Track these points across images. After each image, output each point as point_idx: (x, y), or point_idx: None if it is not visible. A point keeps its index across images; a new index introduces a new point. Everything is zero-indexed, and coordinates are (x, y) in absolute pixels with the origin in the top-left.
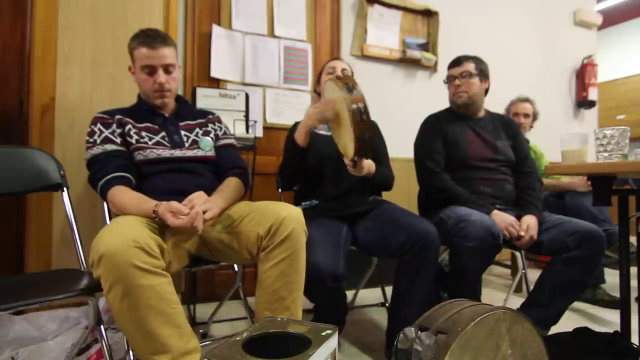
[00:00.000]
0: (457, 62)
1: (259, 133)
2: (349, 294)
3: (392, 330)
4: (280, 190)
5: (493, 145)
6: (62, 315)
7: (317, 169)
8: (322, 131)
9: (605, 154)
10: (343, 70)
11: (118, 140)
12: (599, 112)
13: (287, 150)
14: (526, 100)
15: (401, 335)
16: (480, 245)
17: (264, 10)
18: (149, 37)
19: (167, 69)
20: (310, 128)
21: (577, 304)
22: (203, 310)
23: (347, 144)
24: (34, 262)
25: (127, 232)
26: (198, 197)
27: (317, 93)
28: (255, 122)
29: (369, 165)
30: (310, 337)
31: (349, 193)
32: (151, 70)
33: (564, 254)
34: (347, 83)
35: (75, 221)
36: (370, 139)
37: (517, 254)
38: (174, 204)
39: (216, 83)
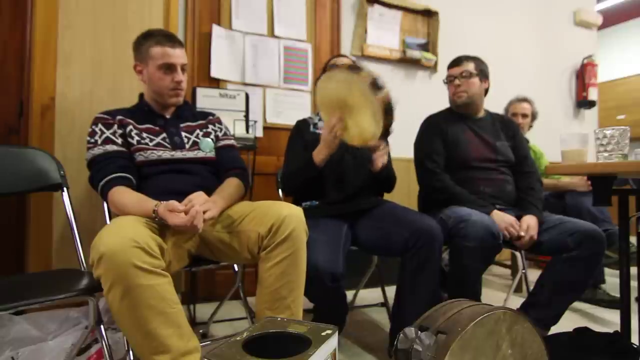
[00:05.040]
0: (457, 62)
1: (259, 133)
2: (349, 294)
3: (395, 329)
4: (280, 190)
5: (493, 145)
6: (62, 315)
7: (318, 173)
8: None
9: (605, 154)
10: None
11: (119, 140)
12: (599, 112)
13: (289, 158)
14: (524, 100)
15: (401, 335)
16: (480, 245)
17: (264, 10)
18: (167, 37)
19: (183, 69)
20: (331, 153)
21: (577, 304)
22: (203, 310)
23: (365, 127)
24: (34, 262)
25: (127, 232)
26: (198, 197)
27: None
28: (255, 122)
29: (384, 153)
30: (310, 337)
31: (351, 198)
32: (170, 69)
33: (564, 254)
34: (350, 66)
35: (75, 221)
36: (392, 110)
37: (517, 254)
38: (173, 202)
39: (216, 83)
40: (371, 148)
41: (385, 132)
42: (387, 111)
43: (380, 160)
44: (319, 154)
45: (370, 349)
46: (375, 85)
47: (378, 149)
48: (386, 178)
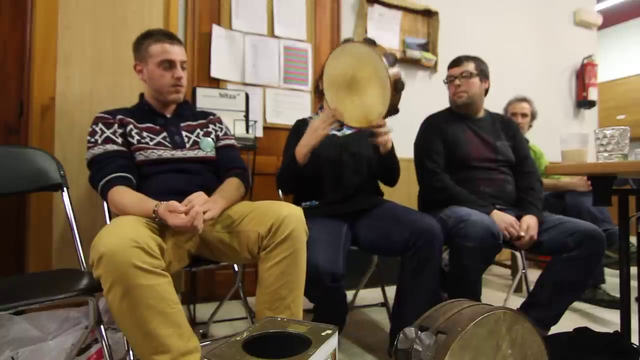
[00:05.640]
0: (457, 62)
1: (259, 133)
2: (349, 294)
3: (395, 329)
4: (280, 190)
5: (493, 145)
6: (62, 315)
7: (317, 173)
8: None
9: (605, 154)
10: None
11: (119, 140)
12: (599, 112)
13: (286, 157)
14: (523, 99)
15: (401, 335)
16: (480, 245)
17: (264, 10)
18: (166, 35)
19: (182, 66)
20: (314, 147)
21: (577, 304)
22: (203, 310)
23: (372, 105)
24: (34, 262)
25: (127, 232)
26: (197, 197)
27: (318, 92)
28: (255, 122)
29: (389, 136)
30: (310, 337)
31: (351, 198)
32: (170, 65)
33: (564, 254)
34: (365, 38)
35: (75, 221)
36: (401, 88)
37: (517, 254)
38: (173, 203)
39: (216, 83)
40: (374, 128)
41: (392, 110)
42: (397, 88)
43: (384, 139)
44: (302, 148)
45: (370, 349)
46: (390, 60)
47: (382, 127)
48: (393, 164)
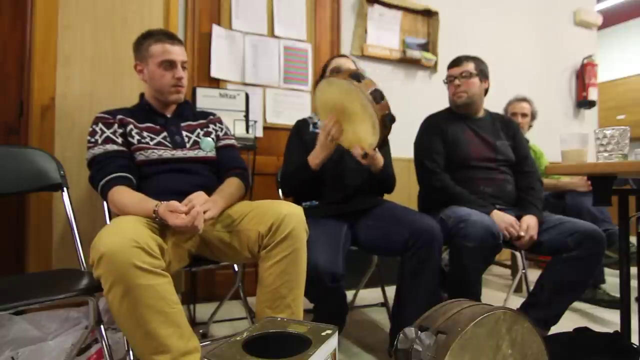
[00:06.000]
0: (457, 62)
1: (259, 133)
2: (349, 294)
3: (395, 329)
4: (280, 190)
5: (493, 145)
6: (62, 315)
7: (316, 173)
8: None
9: (605, 154)
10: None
11: (119, 140)
12: (599, 112)
13: (288, 158)
14: (523, 99)
15: (401, 335)
16: (480, 245)
17: (264, 10)
18: (167, 35)
19: (183, 66)
20: (330, 154)
21: (577, 304)
22: (203, 310)
23: (362, 136)
24: (34, 262)
25: (127, 232)
26: (198, 197)
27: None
28: (255, 122)
29: (380, 157)
30: (310, 337)
31: (351, 198)
32: (171, 65)
33: (564, 254)
34: (351, 73)
35: (75, 221)
36: (391, 121)
37: (517, 254)
38: (174, 203)
39: (216, 83)
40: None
41: (382, 143)
42: (385, 123)
43: (373, 161)
44: (316, 158)
45: (370, 349)
46: (376, 97)
47: (374, 156)
48: (385, 178)
